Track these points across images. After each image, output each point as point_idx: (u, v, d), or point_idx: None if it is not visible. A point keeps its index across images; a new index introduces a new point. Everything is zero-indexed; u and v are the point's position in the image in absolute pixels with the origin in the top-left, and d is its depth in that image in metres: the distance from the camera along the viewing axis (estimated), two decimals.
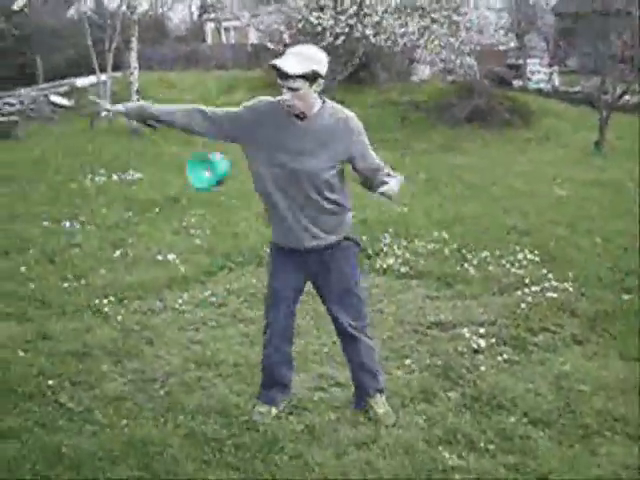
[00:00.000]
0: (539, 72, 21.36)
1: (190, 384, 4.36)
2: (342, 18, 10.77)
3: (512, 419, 3.83)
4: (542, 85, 19.19)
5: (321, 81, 3.49)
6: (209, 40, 31.84)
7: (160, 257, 6.46)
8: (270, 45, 12.11)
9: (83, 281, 5.92)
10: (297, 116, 3.52)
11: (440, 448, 3.60)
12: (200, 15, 34.37)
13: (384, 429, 3.77)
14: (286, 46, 11.96)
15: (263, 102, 3.60)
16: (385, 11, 11.03)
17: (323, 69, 3.47)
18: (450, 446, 3.61)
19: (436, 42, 12.44)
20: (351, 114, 3.64)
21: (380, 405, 3.93)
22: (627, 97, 12.95)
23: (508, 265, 6.20)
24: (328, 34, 10.92)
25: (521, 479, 3.33)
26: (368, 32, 11.19)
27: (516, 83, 18.55)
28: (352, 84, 13.94)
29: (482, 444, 3.59)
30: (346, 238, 3.80)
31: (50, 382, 4.30)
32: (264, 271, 6.32)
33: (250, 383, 4.37)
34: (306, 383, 4.31)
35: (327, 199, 3.63)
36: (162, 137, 12.26)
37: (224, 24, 26.34)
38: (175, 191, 8.54)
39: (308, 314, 5.34)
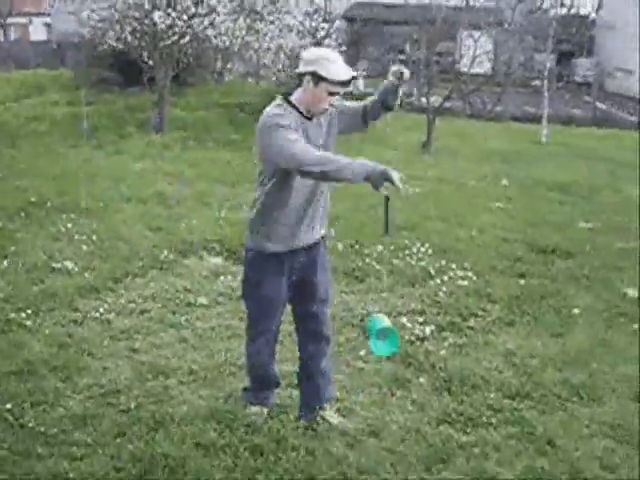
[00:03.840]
0: None
1: (157, 394, 4.23)
2: (185, 17, 10.64)
3: (492, 395, 4.16)
4: (351, 88, 20.08)
5: None
6: None
7: (57, 265, 6.06)
8: (113, 43, 11.63)
9: None
10: (308, 117, 3.52)
11: (442, 428, 3.84)
12: None
13: (386, 416, 3.92)
14: (128, 44, 11.56)
15: (280, 115, 3.41)
16: (227, 13, 11.05)
17: None
18: (452, 425, 3.87)
19: (266, 45, 12.66)
20: None
21: (333, 416, 3.93)
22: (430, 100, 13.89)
23: (408, 258, 6.56)
24: (171, 33, 10.75)
25: (532, 447, 3.65)
26: (210, 32, 11.17)
27: None
28: (174, 85, 13.72)
29: (482, 419, 3.87)
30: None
31: (8, 405, 3.97)
32: (169, 274, 6.21)
33: (216, 387, 4.34)
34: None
35: (329, 191, 3.73)
36: None
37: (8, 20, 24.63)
38: (35, 196, 7.98)
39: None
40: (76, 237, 6.82)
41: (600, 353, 4.73)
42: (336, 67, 3.38)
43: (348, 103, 3.70)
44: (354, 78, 3.42)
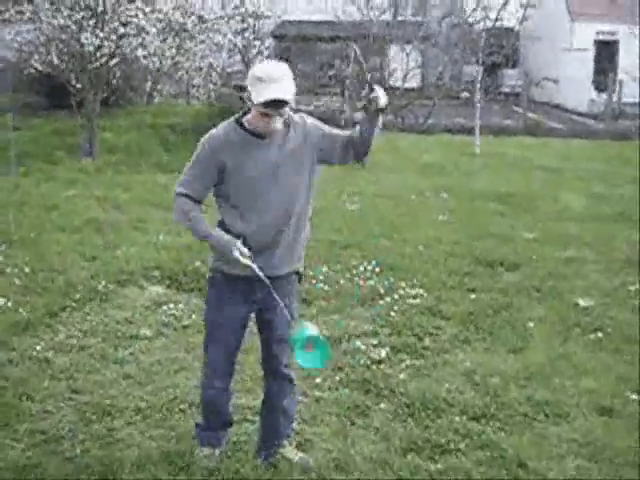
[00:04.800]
0: None
1: (104, 438, 3.96)
2: (113, 38, 10.31)
3: (457, 418, 4.02)
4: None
5: None
6: None
7: None
8: (39, 67, 11.17)
9: None
10: (258, 135, 3.33)
11: (410, 457, 3.68)
12: None
13: (350, 447, 3.75)
14: (56, 67, 11.15)
15: (216, 137, 3.36)
16: (156, 33, 10.75)
17: None
18: (419, 453, 3.71)
19: (196, 64, 12.43)
20: (296, 115, 3.45)
21: (292, 453, 3.73)
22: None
23: (355, 278, 6.41)
24: (99, 55, 10.40)
25: (504, 472, 3.52)
26: (139, 53, 10.86)
27: None
28: (103, 108, 13.34)
29: (450, 445, 3.72)
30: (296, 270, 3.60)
31: None
32: (109, 306, 5.92)
33: (166, 426, 4.10)
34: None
35: (303, 222, 3.47)
36: None
37: None
38: None
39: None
40: (8, 270, 6.46)
41: (560, 367, 4.66)
42: (262, 88, 3.16)
43: (334, 130, 3.45)
44: (282, 101, 3.15)
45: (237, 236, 3.36)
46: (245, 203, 3.37)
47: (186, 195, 3.40)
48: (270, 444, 3.71)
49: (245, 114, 3.37)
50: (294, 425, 3.88)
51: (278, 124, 3.28)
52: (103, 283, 6.27)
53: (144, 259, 6.90)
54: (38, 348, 5.02)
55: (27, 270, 6.47)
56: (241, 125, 3.35)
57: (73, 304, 5.83)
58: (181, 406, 4.29)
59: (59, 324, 5.48)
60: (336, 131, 3.47)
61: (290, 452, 3.72)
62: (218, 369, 3.65)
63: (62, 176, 10.87)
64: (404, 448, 3.75)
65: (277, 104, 3.18)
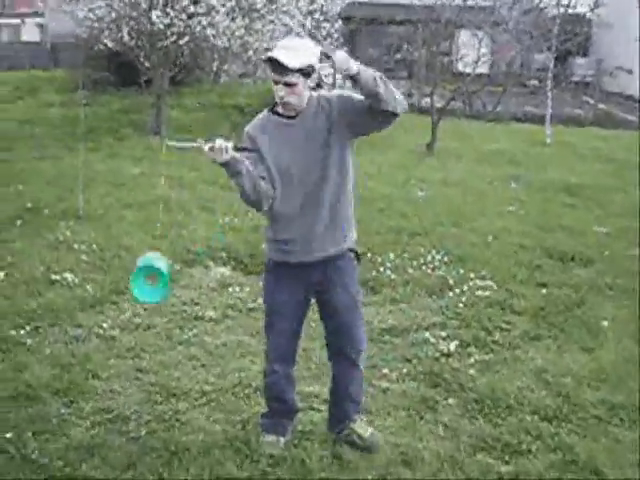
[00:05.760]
0: (327, 76, 22.05)
1: (168, 420, 3.95)
2: (183, 17, 10.33)
3: (528, 418, 3.89)
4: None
5: (315, 76, 3.29)
6: None
7: (57, 277, 5.77)
8: (109, 44, 11.31)
9: None
10: (288, 117, 3.36)
11: (480, 456, 3.57)
12: None
13: (418, 442, 3.65)
14: (125, 45, 11.26)
15: (252, 125, 3.44)
16: (225, 12, 10.76)
17: (317, 63, 3.26)
18: (489, 452, 3.60)
19: (265, 44, 12.39)
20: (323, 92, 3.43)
21: (364, 428, 3.70)
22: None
23: (424, 267, 6.29)
24: (169, 33, 10.45)
25: (577, 477, 3.38)
26: (209, 32, 10.88)
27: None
28: (170, 86, 13.40)
29: (521, 446, 3.60)
30: (349, 249, 3.60)
31: (8, 435, 3.69)
32: (174, 286, 5.89)
33: (232, 411, 4.06)
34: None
35: (341, 200, 3.45)
36: None
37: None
38: (31, 202, 7.69)
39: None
40: (75, 246, 6.53)
41: (633, 369, 4.46)
42: (270, 51, 3.23)
43: (353, 95, 3.32)
44: (272, 60, 3.14)
45: (282, 218, 3.42)
46: (282, 184, 3.37)
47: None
48: (337, 421, 3.73)
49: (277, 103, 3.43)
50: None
51: (291, 97, 3.26)
52: (169, 262, 6.27)
53: (211, 240, 6.90)
54: (104, 326, 5.06)
55: (94, 246, 6.54)
56: (274, 112, 3.42)
57: None
58: (246, 391, 4.26)
59: (125, 302, 5.50)
60: (352, 96, 3.32)
61: (361, 427, 3.69)
62: (278, 354, 3.66)
63: (129, 153, 10.97)
64: (473, 446, 3.64)
65: (279, 68, 3.18)
